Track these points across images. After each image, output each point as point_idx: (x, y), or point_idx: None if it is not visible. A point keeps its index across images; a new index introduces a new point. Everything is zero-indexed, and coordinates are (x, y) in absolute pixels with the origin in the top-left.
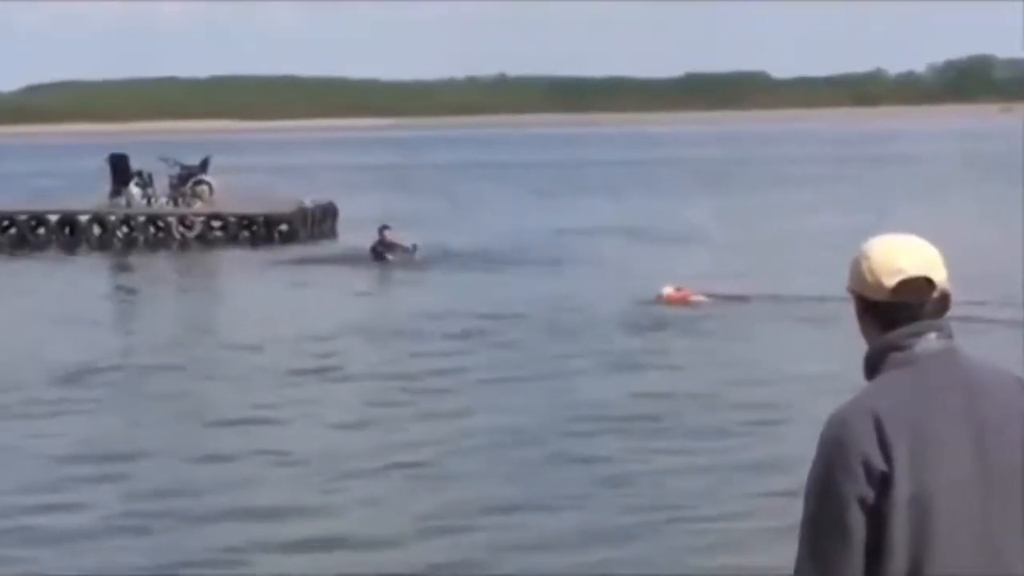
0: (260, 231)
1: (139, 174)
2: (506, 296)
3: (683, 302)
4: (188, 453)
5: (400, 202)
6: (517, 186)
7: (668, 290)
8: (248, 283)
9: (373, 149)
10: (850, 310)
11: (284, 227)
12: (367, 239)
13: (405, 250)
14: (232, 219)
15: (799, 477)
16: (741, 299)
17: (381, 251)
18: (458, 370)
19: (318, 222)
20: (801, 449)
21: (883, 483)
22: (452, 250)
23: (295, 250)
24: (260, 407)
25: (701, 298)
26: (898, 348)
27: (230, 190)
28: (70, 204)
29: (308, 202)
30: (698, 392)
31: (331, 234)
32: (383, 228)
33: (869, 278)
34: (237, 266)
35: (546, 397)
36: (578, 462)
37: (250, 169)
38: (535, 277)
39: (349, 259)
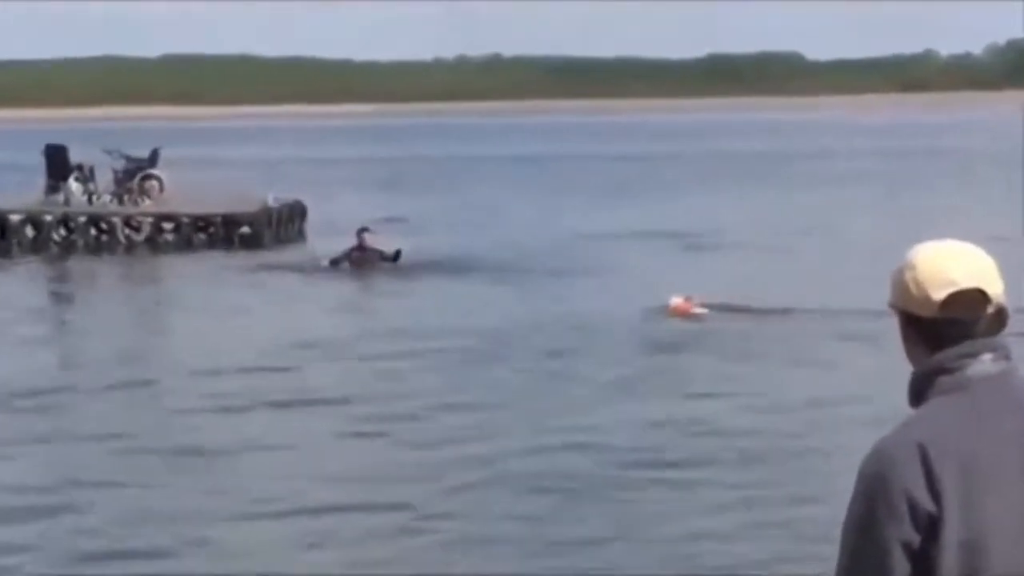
0: (218, 234)
1: (79, 168)
2: (502, 310)
3: (686, 314)
4: (129, 492)
5: (379, 201)
6: (516, 183)
7: (676, 300)
8: (203, 294)
9: (348, 140)
10: (893, 327)
11: (245, 229)
12: (342, 243)
13: (387, 257)
14: (185, 220)
15: (835, 515)
16: (765, 313)
17: (359, 258)
18: (445, 397)
19: (284, 224)
20: (835, 486)
21: (930, 525)
22: (441, 257)
23: (258, 256)
24: (214, 440)
25: (703, 310)
26: (947, 371)
27: (183, 186)
28: None
29: (272, 200)
30: (713, 420)
31: (299, 238)
32: (362, 231)
33: (915, 291)
34: (191, 274)
35: (543, 427)
36: (590, 502)
37: (206, 162)
38: (536, 288)
39: (321, 267)
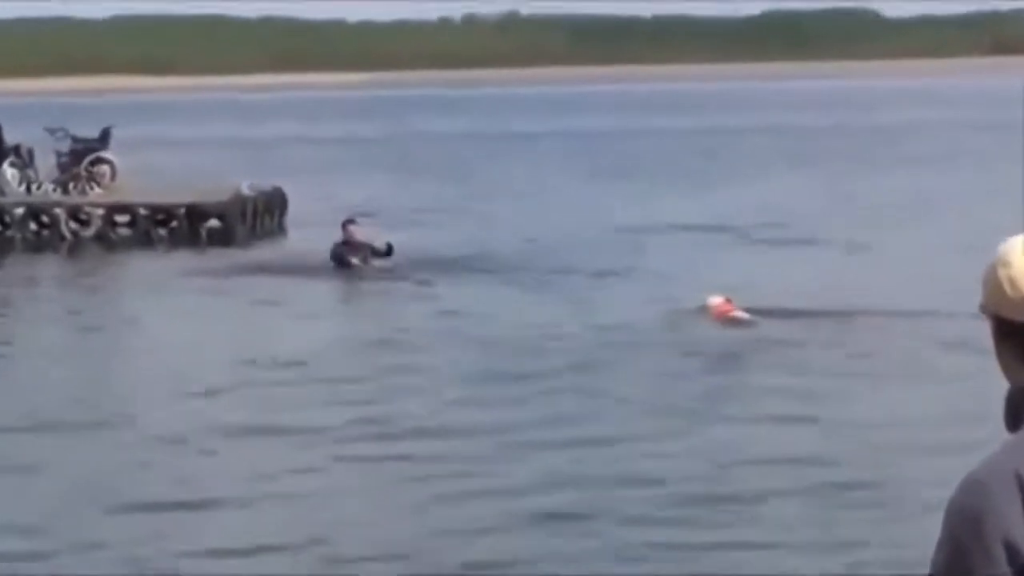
0: (181, 228)
1: (15, 150)
2: (520, 316)
3: (727, 318)
4: (78, 551)
5: (373, 188)
6: (537, 164)
7: (715, 301)
8: (163, 301)
9: (338, 115)
10: (985, 334)
11: (214, 223)
12: (327, 238)
13: (376, 252)
14: (142, 212)
15: (922, 557)
16: (821, 316)
17: (344, 254)
18: (452, 421)
19: (260, 215)
20: (919, 525)
21: None
22: (444, 253)
23: (229, 255)
24: (178, 483)
25: (744, 315)
26: None
27: (140, 172)
28: None
29: (247, 188)
30: (777, 446)
31: (278, 231)
32: (348, 222)
33: (1010, 292)
34: (148, 277)
35: (575, 457)
36: (643, 545)
37: (168, 143)
38: (559, 290)
39: (302, 266)
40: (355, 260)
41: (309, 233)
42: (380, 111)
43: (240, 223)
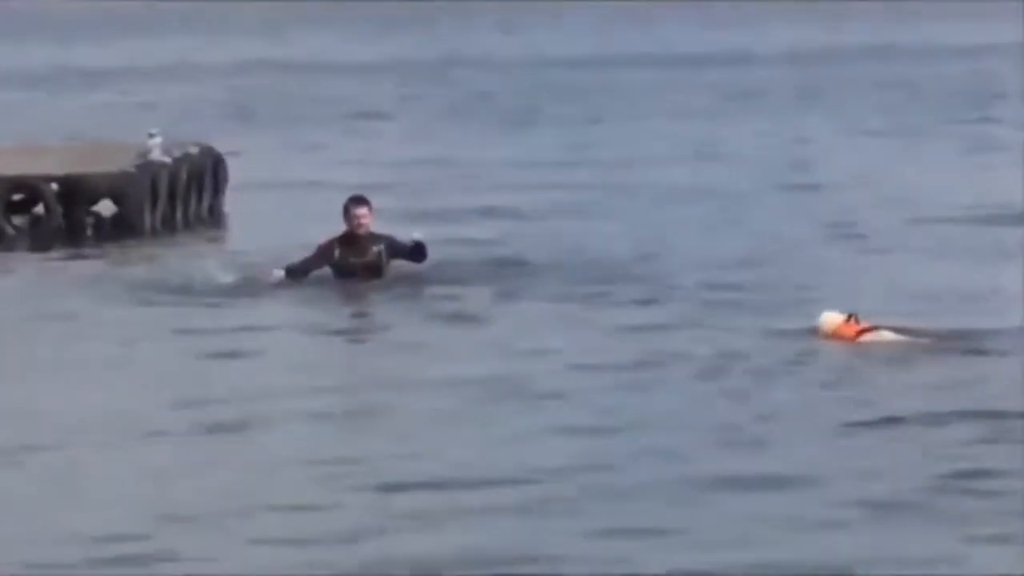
0: (51, 215)
1: None
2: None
3: (852, 340)
4: None
5: (392, 146)
6: (658, 106)
7: (833, 319)
8: (16, 336)
9: (323, 24)
10: None
11: (105, 207)
12: (305, 234)
13: (401, 250)
14: None
15: None
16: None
17: (347, 257)
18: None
19: (182, 194)
20: None
21: None
22: (515, 254)
23: (129, 258)
24: None
25: (878, 335)
26: None
27: None
28: None
29: (158, 150)
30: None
31: (210, 219)
32: (354, 202)
33: None
34: None
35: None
36: None
37: (24, 74)
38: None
39: (255, 279)
40: (365, 266)
41: (271, 222)
42: (396, 22)
43: (148, 207)
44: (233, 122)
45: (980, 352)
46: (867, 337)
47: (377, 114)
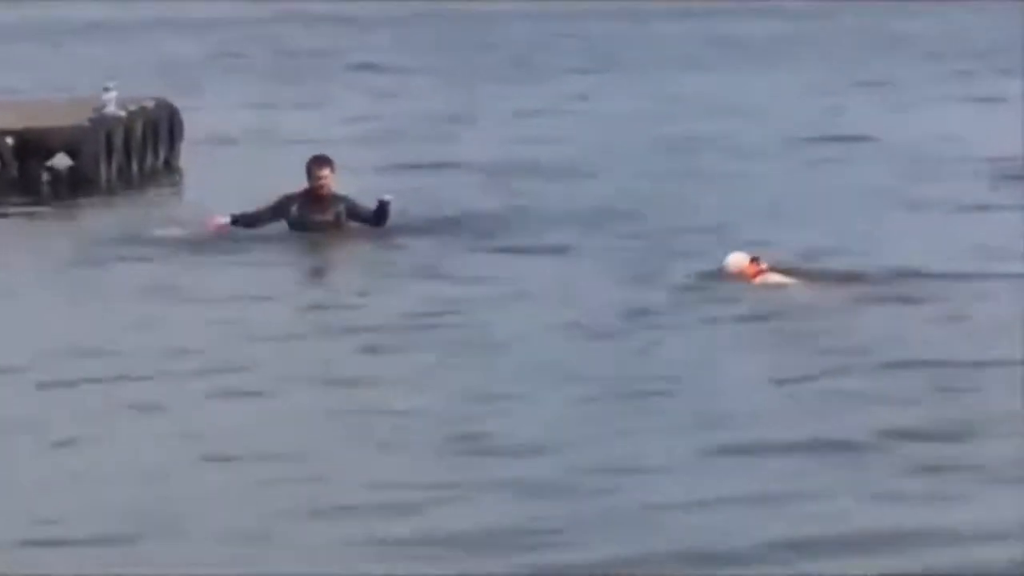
0: (8, 168)
1: None
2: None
3: (754, 280)
4: None
5: (364, 102)
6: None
7: (737, 260)
8: None
9: None
10: None
11: (59, 160)
12: (265, 188)
13: (363, 214)
14: None
15: None
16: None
17: (309, 215)
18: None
19: (137, 147)
20: None
21: None
22: (475, 210)
23: (84, 213)
24: None
25: (783, 278)
26: None
27: None
28: None
29: (113, 104)
30: None
31: (167, 176)
32: (317, 162)
33: None
34: None
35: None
36: None
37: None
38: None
39: (210, 237)
40: (328, 224)
41: (228, 178)
42: None
43: (103, 161)
44: (179, 76)
45: (888, 298)
46: (761, 279)
47: (369, 65)
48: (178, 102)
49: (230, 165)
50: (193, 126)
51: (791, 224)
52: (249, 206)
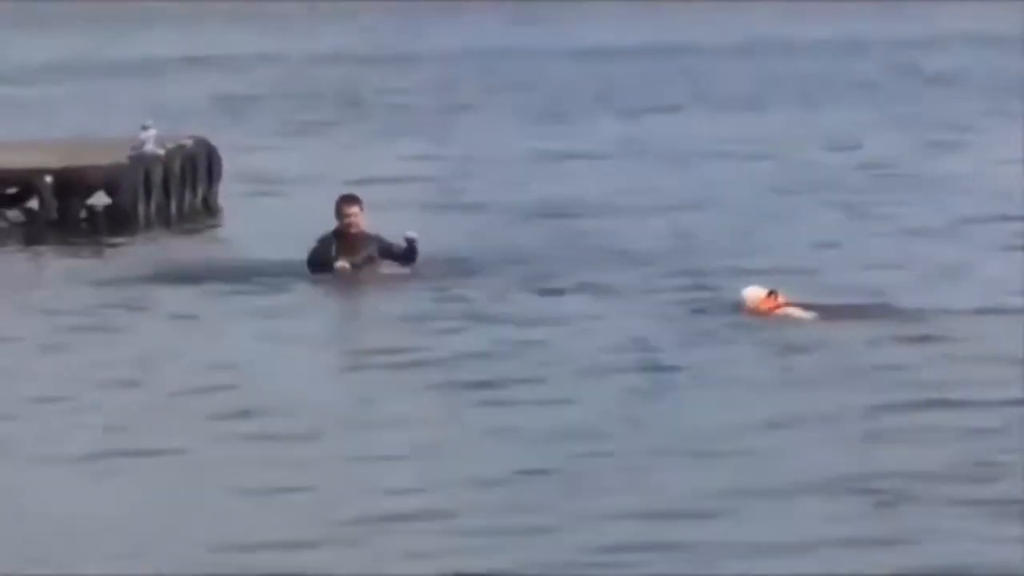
0: (45, 208)
1: None
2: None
3: (772, 315)
4: None
5: (395, 145)
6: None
7: (755, 294)
8: (9, 330)
9: (321, 19)
10: None
11: (98, 199)
12: (299, 226)
13: (395, 252)
14: None
15: None
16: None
17: (330, 252)
18: None
19: (177, 186)
20: None
21: None
22: (506, 255)
23: (120, 253)
24: None
25: (803, 313)
26: None
27: None
28: None
29: (152, 142)
30: None
31: (206, 214)
32: (347, 201)
33: None
34: None
35: None
36: None
37: (16, 67)
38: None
39: (248, 270)
40: (345, 263)
41: (265, 217)
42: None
43: (141, 199)
44: (216, 119)
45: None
46: (778, 312)
47: (409, 106)
48: (216, 141)
49: (269, 204)
50: (232, 165)
51: (822, 259)
52: (288, 246)
